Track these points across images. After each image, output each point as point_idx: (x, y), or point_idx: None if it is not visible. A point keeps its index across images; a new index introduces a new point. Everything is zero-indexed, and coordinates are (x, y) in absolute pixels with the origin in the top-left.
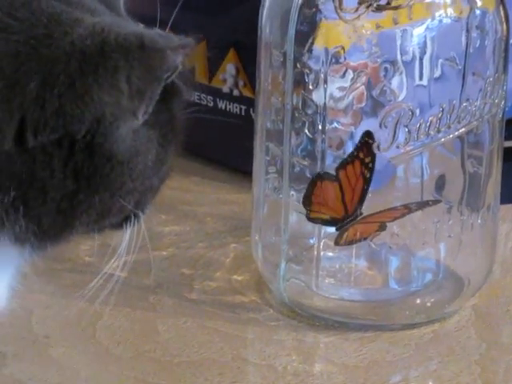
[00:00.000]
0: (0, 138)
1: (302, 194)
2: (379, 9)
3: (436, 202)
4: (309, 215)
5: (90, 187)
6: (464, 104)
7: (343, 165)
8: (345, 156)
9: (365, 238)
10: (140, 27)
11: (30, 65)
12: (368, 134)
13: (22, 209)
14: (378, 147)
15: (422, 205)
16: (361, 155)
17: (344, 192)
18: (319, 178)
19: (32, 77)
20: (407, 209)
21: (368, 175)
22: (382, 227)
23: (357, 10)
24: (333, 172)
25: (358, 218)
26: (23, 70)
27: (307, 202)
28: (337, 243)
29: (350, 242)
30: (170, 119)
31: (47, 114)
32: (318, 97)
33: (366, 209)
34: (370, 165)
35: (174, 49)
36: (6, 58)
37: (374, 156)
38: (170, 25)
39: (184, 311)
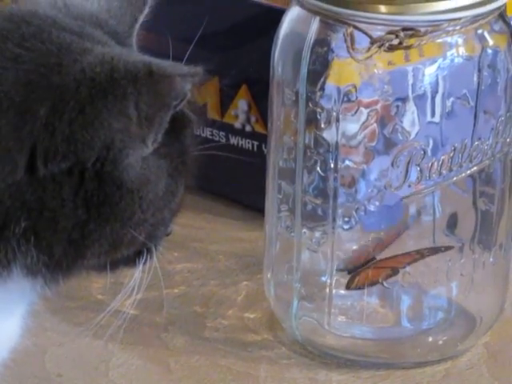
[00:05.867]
0: (12, 168)
1: (314, 233)
2: (391, 49)
3: (448, 248)
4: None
5: (100, 216)
6: (476, 143)
7: None
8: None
9: (376, 282)
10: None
11: (39, 92)
12: None
13: (33, 239)
14: (390, 186)
15: (435, 251)
16: None
17: None
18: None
19: (42, 103)
20: (419, 254)
21: None
22: (394, 272)
23: (369, 49)
24: None
25: (371, 264)
26: (33, 97)
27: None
28: (348, 287)
29: (362, 286)
30: (182, 151)
31: (57, 140)
32: (329, 135)
33: None
34: None
35: (182, 76)
36: (16, 86)
37: None
38: (183, 62)
39: (196, 349)
